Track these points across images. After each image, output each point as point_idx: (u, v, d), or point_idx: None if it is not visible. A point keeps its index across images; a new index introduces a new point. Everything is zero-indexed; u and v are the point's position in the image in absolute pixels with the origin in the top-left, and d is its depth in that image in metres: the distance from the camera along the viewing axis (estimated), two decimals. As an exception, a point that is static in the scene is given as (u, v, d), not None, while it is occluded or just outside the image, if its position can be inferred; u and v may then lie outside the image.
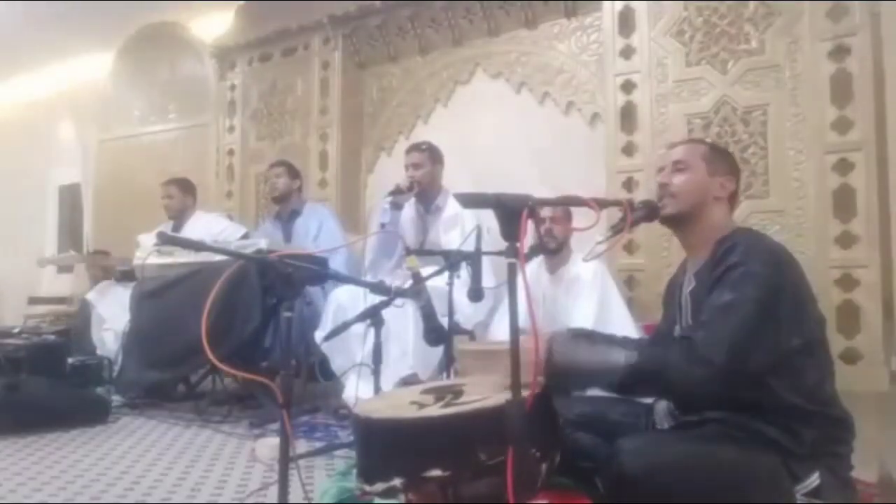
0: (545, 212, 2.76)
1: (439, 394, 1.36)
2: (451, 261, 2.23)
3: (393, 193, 3.18)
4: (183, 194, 4.20)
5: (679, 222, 1.54)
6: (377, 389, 2.00)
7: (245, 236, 3.88)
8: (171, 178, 4.28)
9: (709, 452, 1.28)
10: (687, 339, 1.30)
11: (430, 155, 3.30)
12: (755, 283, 1.30)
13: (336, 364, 3.05)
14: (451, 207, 3.24)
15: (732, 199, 1.56)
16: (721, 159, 1.56)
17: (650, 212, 1.52)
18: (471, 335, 3.14)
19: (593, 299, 2.70)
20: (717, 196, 1.51)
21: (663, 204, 1.52)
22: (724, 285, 1.32)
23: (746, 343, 1.26)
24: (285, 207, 3.87)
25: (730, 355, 1.24)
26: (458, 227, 3.13)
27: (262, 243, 3.19)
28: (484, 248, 2.12)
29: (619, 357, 1.28)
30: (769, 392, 1.31)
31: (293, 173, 3.89)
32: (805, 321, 1.36)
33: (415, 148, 3.34)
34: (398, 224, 3.25)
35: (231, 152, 4.90)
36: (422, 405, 1.31)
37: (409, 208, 3.35)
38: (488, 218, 1.26)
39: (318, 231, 3.67)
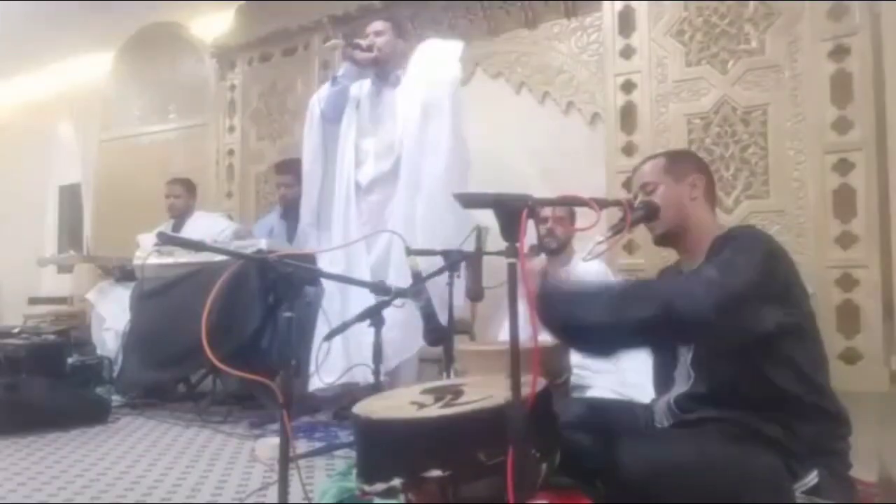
0: (547, 212, 2.77)
1: (439, 394, 1.37)
2: (451, 260, 2.23)
3: (350, 45, 2.99)
4: (188, 194, 4.22)
5: (671, 238, 1.55)
6: (377, 389, 2.00)
7: (244, 236, 3.88)
8: (175, 178, 4.29)
9: (708, 452, 1.29)
10: (695, 271, 1.33)
11: (395, 25, 3.11)
12: (757, 247, 1.33)
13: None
14: (416, 67, 3.04)
15: (710, 196, 1.56)
16: (681, 162, 1.57)
17: (650, 212, 1.53)
18: (471, 335, 3.15)
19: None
20: (692, 197, 1.52)
21: (649, 228, 1.54)
22: (723, 253, 1.35)
23: (750, 288, 1.26)
24: (294, 210, 3.87)
25: (740, 287, 1.25)
26: (416, 97, 2.94)
27: (262, 243, 3.19)
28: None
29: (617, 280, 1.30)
30: (767, 383, 1.32)
31: (301, 178, 3.88)
32: (794, 303, 1.36)
33: (376, 17, 3.17)
34: (352, 80, 3.07)
35: (231, 152, 4.90)
36: (421, 405, 1.31)
37: (365, 85, 3.13)
38: (488, 218, 1.27)
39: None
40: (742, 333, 1.28)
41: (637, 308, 1.26)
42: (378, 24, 3.09)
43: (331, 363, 2.29)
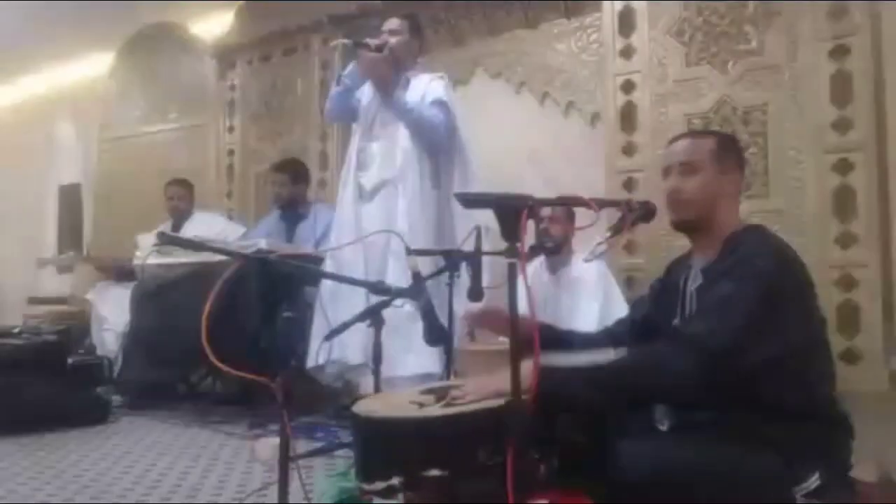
0: (544, 212, 2.76)
1: (439, 394, 1.37)
2: (452, 260, 2.23)
3: (358, 45, 2.92)
4: (189, 195, 4.24)
5: (692, 227, 1.49)
6: (377, 389, 2.00)
7: (244, 236, 3.89)
8: (176, 179, 4.30)
9: (708, 454, 1.28)
10: (679, 331, 1.30)
11: (411, 25, 3.04)
12: (758, 278, 1.29)
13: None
14: (423, 80, 3.02)
15: (738, 193, 1.53)
16: (730, 153, 1.51)
17: (646, 213, 1.52)
18: (472, 335, 3.14)
19: (596, 300, 2.71)
20: (729, 193, 1.48)
21: (674, 210, 1.47)
22: (727, 279, 1.32)
23: (745, 335, 1.25)
24: (291, 210, 3.88)
25: (730, 344, 1.24)
26: (420, 90, 2.93)
27: (262, 243, 3.19)
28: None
29: (608, 355, 1.28)
30: (769, 392, 1.31)
31: (298, 178, 3.89)
32: (808, 321, 1.35)
33: (395, 14, 3.09)
34: (357, 80, 3.01)
35: (231, 152, 4.90)
36: (422, 405, 1.32)
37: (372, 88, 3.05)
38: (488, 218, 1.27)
39: (324, 232, 3.66)
40: (752, 366, 1.27)
41: (634, 389, 1.29)
42: (394, 22, 3.01)
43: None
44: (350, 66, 3.06)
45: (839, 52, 2.75)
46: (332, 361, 2.81)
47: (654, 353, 1.30)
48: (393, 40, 2.94)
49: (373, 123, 3.03)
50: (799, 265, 1.38)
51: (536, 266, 2.92)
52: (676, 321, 1.50)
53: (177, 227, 4.10)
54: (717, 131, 1.59)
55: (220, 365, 1.43)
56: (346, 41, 3.15)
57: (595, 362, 1.28)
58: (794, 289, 1.33)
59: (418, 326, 1.89)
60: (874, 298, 2.63)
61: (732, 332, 1.25)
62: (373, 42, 2.92)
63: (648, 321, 1.62)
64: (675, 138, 1.57)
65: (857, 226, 2.68)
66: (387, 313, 1.93)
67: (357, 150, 3.04)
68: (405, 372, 2.55)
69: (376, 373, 1.99)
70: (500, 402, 1.13)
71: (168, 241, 2.79)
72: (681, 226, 1.51)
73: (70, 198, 6.31)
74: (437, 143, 2.95)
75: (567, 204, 1.71)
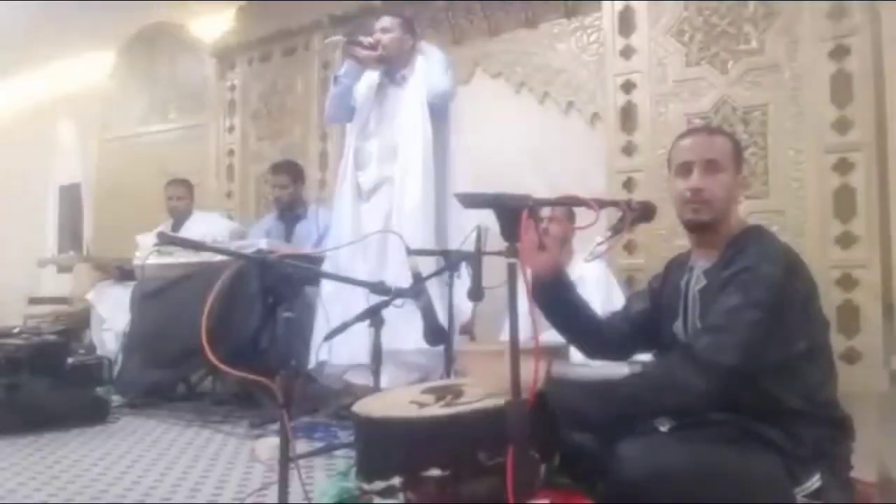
0: (544, 211, 2.76)
1: (439, 394, 1.37)
2: (452, 261, 2.23)
3: (351, 43, 2.92)
4: (189, 195, 4.24)
5: (704, 228, 1.46)
6: (377, 389, 2.00)
7: (242, 236, 3.90)
8: (176, 179, 4.29)
9: (709, 455, 1.28)
10: (689, 347, 1.30)
11: (403, 23, 3.01)
12: (765, 287, 1.29)
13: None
14: (419, 72, 2.98)
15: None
16: (741, 154, 1.52)
17: (646, 213, 1.52)
18: (471, 336, 3.14)
19: (597, 301, 2.70)
20: (742, 193, 1.50)
21: (694, 210, 1.43)
22: (733, 288, 1.31)
23: (756, 347, 1.26)
24: (290, 212, 3.88)
25: (742, 359, 1.24)
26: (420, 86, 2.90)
27: (262, 243, 3.19)
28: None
29: (622, 370, 1.28)
30: (771, 395, 1.31)
31: (297, 178, 3.90)
32: (812, 325, 1.35)
33: (386, 13, 3.08)
34: (354, 79, 3.01)
35: (231, 152, 4.90)
36: (422, 405, 1.32)
37: (372, 79, 3.03)
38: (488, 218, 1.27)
39: (323, 233, 3.66)
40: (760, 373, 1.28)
41: (645, 405, 1.31)
42: (386, 21, 2.99)
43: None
44: (345, 66, 3.05)
45: (839, 52, 2.75)
46: (331, 363, 2.82)
47: (666, 372, 1.31)
48: (385, 38, 2.94)
49: (368, 121, 3.02)
50: (803, 268, 1.38)
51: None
52: (678, 324, 1.50)
53: (177, 227, 4.10)
54: (723, 129, 1.60)
55: (220, 365, 1.44)
56: (338, 38, 3.15)
57: (607, 379, 1.29)
58: (800, 293, 1.33)
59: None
60: (874, 298, 2.63)
61: (743, 347, 1.25)
62: (366, 40, 2.92)
63: (646, 317, 1.62)
64: (688, 134, 1.55)
65: (857, 226, 2.68)
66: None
67: (354, 150, 3.04)
68: (406, 346, 2.52)
69: (376, 373, 1.99)
70: (500, 401, 1.13)
71: (168, 241, 2.79)
72: (695, 225, 1.47)
73: (70, 198, 6.31)
74: (441, 105, 2.94)
75: (567, 204, 1.71)
